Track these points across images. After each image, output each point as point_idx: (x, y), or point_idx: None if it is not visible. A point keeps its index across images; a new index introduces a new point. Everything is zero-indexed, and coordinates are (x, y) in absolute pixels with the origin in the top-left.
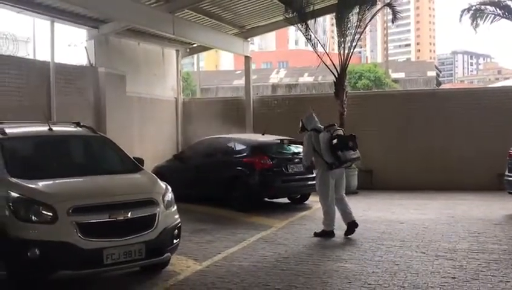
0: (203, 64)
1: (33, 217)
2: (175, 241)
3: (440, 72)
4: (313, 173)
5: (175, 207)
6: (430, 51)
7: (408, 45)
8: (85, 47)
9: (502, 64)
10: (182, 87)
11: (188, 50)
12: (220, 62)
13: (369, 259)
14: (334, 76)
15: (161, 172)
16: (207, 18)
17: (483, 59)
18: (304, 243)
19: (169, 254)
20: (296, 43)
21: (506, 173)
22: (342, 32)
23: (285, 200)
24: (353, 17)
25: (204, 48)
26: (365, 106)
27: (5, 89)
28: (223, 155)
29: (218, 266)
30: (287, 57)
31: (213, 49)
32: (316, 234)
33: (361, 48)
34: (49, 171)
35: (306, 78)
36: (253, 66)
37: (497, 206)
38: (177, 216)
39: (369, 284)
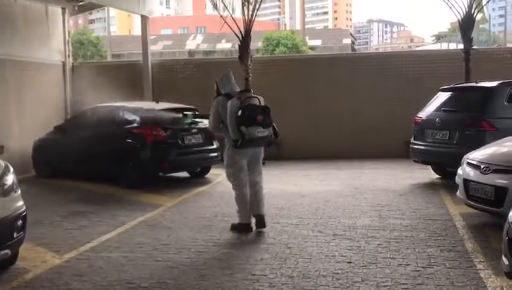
0: (115, 28)
1: None
2: (17, 234)
3: (355, 39)
4: (212, 144)
5: (18, 192)
6: (347, 19)
7: (326, 13)
8: None
9: (415, 33)
10: (71, 49)
11: (76, 8)
12: (133, 27)
13: (261, 242)
14: (239, 39)
15: (41, 146)
16: None
17: (397, 27)
18: (191, 225)
19: (7, 251)
20: (215, 7)
21: (412, 140)
22: None
23: (184, 174)
24: None
25: (94, 5)
26: (271, 71)
27: None
28: (111, 126)
29: (80, 260)
30: (204, 22)
31: (103, 7)
32: (232, 227)
33: (279, 14)
34: None
35: (224, 45)
36: (169, 31)
37: (403, 176)
38: (20, 203)
39: (254, 274)
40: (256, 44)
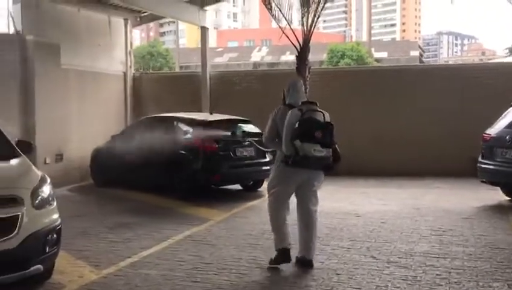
0: (185, 41)
1: None
2: (49, 249)
3: (424, 52)
4: (265, 158)
5: (54, 205)
6: (415, 31)
7: (393, 25)
8: (10, 12)
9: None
10: (133, 60)
11: (138, 19)
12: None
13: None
14: (297, 50)
15: (98, 155)
16: None
17: (468, 40)
18: (237, 242)
19: (39, 266)
20: (274, 19)
21: (480, 159)
22: (304, 2)
23: (237, 186)
24: None
25: (156, 17)
26: (331, 83)
27: None
28: (164, 136)
29: (118, 276)
30: (269, 35)
31: (164, 18)
32: (270, 262)
33: (346, 26)
34: None
35: (288, 57)
36: (235, 44)
37: (469, 196)
38: (55, 216)
39: None
40: (320, 56)
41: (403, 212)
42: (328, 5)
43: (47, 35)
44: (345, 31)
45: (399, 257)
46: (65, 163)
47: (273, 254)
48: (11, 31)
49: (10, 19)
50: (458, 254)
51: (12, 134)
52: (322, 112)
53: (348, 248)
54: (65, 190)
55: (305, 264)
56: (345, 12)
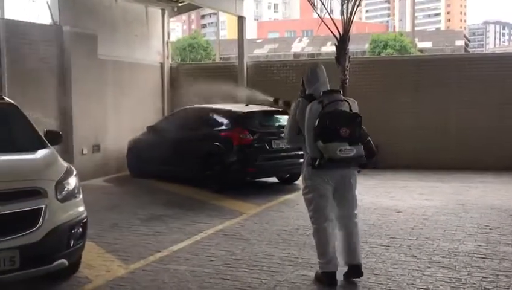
0: (225, 32)
1: None
2: (74, 243)
3: (469, 41)
4: (301, 150)
5: (79, 197)
6: (461, 20)
7: (438, 14)
8: (47, 2)
9: None
10: (170, 51)
11: (175, 9)
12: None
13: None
14: (336, 40)
15: (134, 146)
16: None
17: None
18: (270, 238)
19: (64, 260)
20: (313, 8)
21: None
22: None
23: (273, 179)
24: None
25: (193, 7)
26: (371, 73)
27: None
28: (199, 128)
29: (146, 272)
30: (310, 26)
31: (201, 8)
32: (316, 278)
33: (388, 16)
34: None
35: (329, 47)
36: (276, 35)
37: None
38: (81, 209)
39: None
40: (363, 46)
41: (446, 208)
42: None
43: (84, 26)
44: (387, 21)
45: (442, 257)
46: (102, 154)
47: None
48: (49, 21)
49: (48, 9)
50: (507, 255)
51: (50, 125)
52: (347, 101)
53: (387, 246)
54: (101, 180)
55: (356, 270)
56: (388, 1)
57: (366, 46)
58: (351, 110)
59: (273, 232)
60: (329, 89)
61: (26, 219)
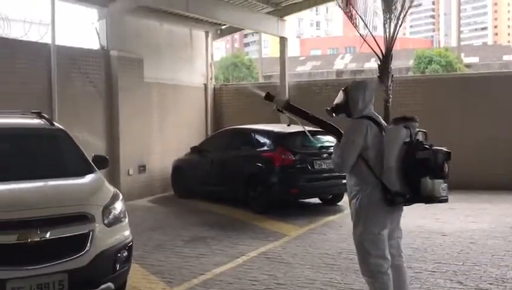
0: (268, 50)
1: None
2: (120, 267)
3: None
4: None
5: (125, 221)
6: (509, 34)
7: (485, 28)
8: (95, 28)
9: None
10: (214, 72)
11: (218, 32)
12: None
13: None
14: (379, 58)
15: (178, 166)
16: None
17: None
18: (312, 261)
19: (110, 284)
20: (354, 26)
21: None
22: (387, 8)
23: (315, 199)
24: None
25: (235, 29)
26: (415, 92)
27: None
28: (241, 148)
29: None
30: (353, 42)
31: (243, 30)
32: None
33: (433, 31)
34: None
35: (373, 63)
36: (319, 52)
37: None
38: (127, 233)
39: None
40: (407, 62)
41: (494, 231)
42: (414, 10)
43: (130, 50)
44: (432, 36)
45: (489, 283)
46: (147, 174)
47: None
48: (97, 46)
49: (96, 35)
50: None
51: (98, 147)
52: (424, 132)
53: (432, 271)
54: (147, 200)
55: None
56: (433, 16)
57: (411, 62)
58: (426, 137)
59: (316, 256)
60: (405, 115)
61: (74, 244)
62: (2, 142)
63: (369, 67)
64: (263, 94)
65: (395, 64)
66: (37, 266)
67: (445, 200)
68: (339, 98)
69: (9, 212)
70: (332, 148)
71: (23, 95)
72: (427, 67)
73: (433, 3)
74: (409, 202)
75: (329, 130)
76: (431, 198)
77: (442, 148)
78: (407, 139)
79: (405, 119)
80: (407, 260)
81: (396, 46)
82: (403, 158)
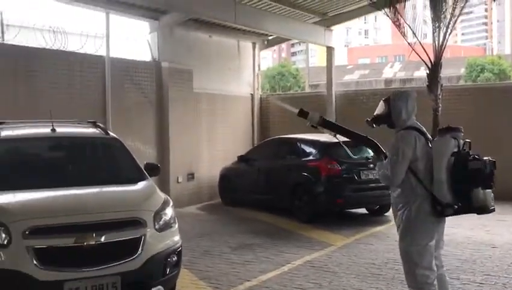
0: (315, 60)
1: None
2: (170, 271)
3: None
4: None
5: (175, 227)
6: None
7: None
8: (147, 40)
9: None
10: (260, 82)
11: (265, 42)
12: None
13: None
14: (427, 67)
15: (227, 175)
16: (280, 5)
17: None
18: (358, 271)
19: (160, 287)
20: (425, 36)
21: None
22: (436, 16)
23: (362, 210)
24: None
25: (282, 40)
26: (465, 102)
27: (52, 86)
28: (287, 158)
29: None
30: (403, 51)
31: (289, 40)
32: None
33: (486, 39)
34: (30, 182)
35: (423, 72)
36: (367, 61)
37: None
38: (177, 238)
39: None
40: (458, 71)
41: None
42: (466, 17)
43: (181, 61)
44: (485, 44)
45: None
46: (196, 182)
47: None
48: (149, 58)
49: (148, 47)
50: None
51: (149, 155)
52: (469, 142)
53: (481, 283)
54: (195, 208)
55: None
56: (485, 24)
57: (462, 71)
58: (470, 146)
59: (362, 266)
60: (450, 125)
61: (127, 248)
62: (61, 150)
63: (419, 76)
64: (296, 111)
65: (446, 72)
66: (92, 268)
67: (494, 210)
68: (380, 108)
69: (67, 216)
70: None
71: (79, 105)
72: (479, 76)
73: (486, 10)
74: (459, 213)
75: (365, 143)
76: (483, 208)
77: (488, 158)
78: (455, 150)
79: (451, 130)
80: (455, 271)
81: (448, 54)
82: (452, 169)
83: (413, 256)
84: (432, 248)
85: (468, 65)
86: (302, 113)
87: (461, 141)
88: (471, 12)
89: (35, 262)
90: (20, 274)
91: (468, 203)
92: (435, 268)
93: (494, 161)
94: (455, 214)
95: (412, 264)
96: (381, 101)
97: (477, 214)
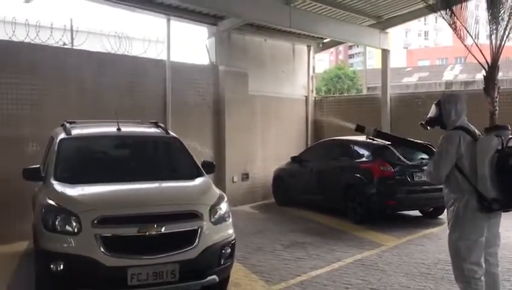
0: (373, 62)
1: (58, 227)
2: (224, 262)
3: None
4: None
5: (229, 221)
6: None
7: None
8: (206, 45)
9: None
10: (315, 84)
11: (320, 45)
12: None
13: None
14: (484, 69)
15: (279, 175)
16: (334, 9)
17: None
18: (407, 270)
19: (215, 277)
20: (478, 36)
21: None
22: (493, 17)
23: (416, 212)
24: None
25: (337, 42)
26: None
27: (117, 89)
28: (340, 159)
29: None
30: (464, 52)
31: (346, 43)
32: None
33: None
34: (98, 176)
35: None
36: (427, 63)
37: None
38: (231, 231)
39: None
40: None
41: None
42: None
43: (237, 65)
44: None
45: None
46: (250, 181)
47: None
48: (207, 62)
49: (206, 51)
50: None
51: (206, 154)
52: None
53: None
54: (249, 207)
55: None
56: None
57: None
58: None
59: (411, 265)
60: (496, 124)
61: (185, 238)
62: (125, 148)
63: (480, 78)
64: (353, 126)
65: (509, 74)
66: (154, 256)
67: None
68: (432, 111)
69: (131, 208)
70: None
71: (141, 106)
72: None
73: None
74: (506, 207)
75: (420, 148)
76: None
77: None
78: (499, 147)
79: (496, 128)
80: (506, 273)
81: (511, 56)
82: (495, 165)
83: (462, 251)
84: (481, 243)
85: None
86: (359, 128)
87: (508, 138)
88: None
89: (102, 249)
90: (89, 259)
91: (510, 198)
92: (483, 264)
93: None
94: (502, 209)
95: (460, 259)
96: (433, 105)
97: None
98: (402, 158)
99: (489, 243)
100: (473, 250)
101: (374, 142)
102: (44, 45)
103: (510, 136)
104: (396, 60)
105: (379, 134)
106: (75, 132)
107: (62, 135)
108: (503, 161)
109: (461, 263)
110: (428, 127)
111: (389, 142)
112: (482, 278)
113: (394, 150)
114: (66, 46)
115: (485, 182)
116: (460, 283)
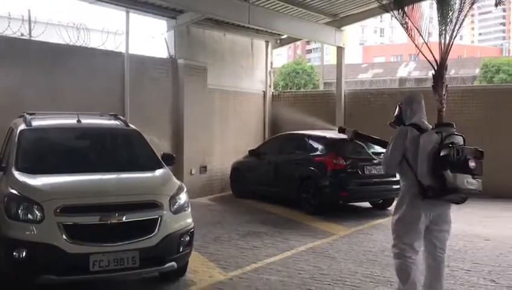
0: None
1: (21, 216)
2: (183, 249)
3: None
4: (395, 176)
5: (188, 211)
6: None
7: None
8: (164, 38)
9: None
10: (272, 79)
11: (278, 41)
12: (346, 56)
13: (421, 284)
14: (433, 67)
15: (238, 168)
16: (292, 6)
17: None
18: (355, 257)
19: (174, 263)
20: (430, 35)
21: None
22: (443, 18)
23: (366, 204)
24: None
25: (294, 39)
26: (470, 103)
27: (75, 80)
28: (296, 152)
29: (242, 279)
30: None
31: (301, 40)
32: None
33: (503, 39)
34: (59, 167)
35: None
36: (382, 59)
37: None
38: (189, 220)
39: None
40: (473, 71)
41: None
42: (483, 17)
43: (196, 58)
44: (501, 44)
45: None
46: (208, 174)
47: (389, 271)
48: (165, 55)
49: (165, 44)
50: None
51: (164, 147)
52: (462, 136)
53: (468, 270)
54: (207, 199)
55: None
56: (503, 24)
57: (477, 71)
58: (464, 144)
59: (360, 253)
60: (444, 122)
61: (146, 227)
62: (86, 139)
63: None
64: (336, 128)
65: (461, 73)
66: (115, 244)
67: (474, 193)
68: (396, 111)
69: (93, 198)
70: (382, 154)
71: (99, 99)
72: (494, 77)
73: (504, 10)
74: (439, 194)
75: None
76: (455, 189)
77: (470, 147)
78: (439, 142)
79: (439, 126)
80: (446, 260)
81: (463, 54)
82: (432, 157)
83: (399, 230)
84: (417, 228)
85: (484, 66)
86: (341, 130)
87: (447, 134)
88: (489, 12)
89: (64, 237)
90: (52, 246)
91: (441, 185)
92: (417, 249)
93: (480, 151)
94: (437, 196)
95: (396, 237)
96: (397, 105)
97: (451, 194)
98: (354, 152)
99: (438, 227)
100: (408, 232)
101: (328, 136)
102: (2, 36)
103: (451, 133)
104: (353, 57)
105: (357, 135)
106: (35, 123)
107: (22, 126)
108: (437, 153)
109: (397, 242)
110: (396, 126)
111: (367, 143)
112: (411, 260)
113: (347, 144)
114: (23, 37)
115: (422, 171)
116: (395, 259)
